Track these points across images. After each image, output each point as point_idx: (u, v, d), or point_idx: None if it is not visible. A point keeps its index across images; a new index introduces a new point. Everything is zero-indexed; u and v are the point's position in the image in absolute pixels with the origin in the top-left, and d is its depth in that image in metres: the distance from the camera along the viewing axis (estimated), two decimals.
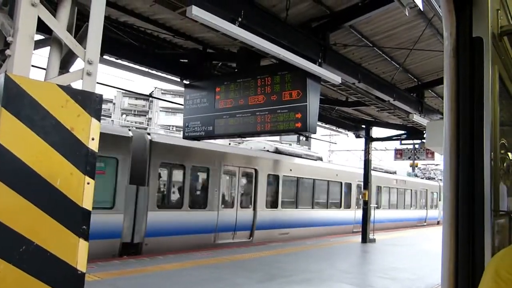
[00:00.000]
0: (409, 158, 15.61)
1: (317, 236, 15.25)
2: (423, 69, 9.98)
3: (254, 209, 13.06)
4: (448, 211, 1.57)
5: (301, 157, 16.28)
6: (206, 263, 8.97)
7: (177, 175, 11.02)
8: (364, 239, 14.47)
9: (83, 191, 2.62)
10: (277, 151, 14.99)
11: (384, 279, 8.30)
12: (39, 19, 2.65)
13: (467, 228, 1.52)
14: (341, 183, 17.66)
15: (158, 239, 10.20)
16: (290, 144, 21.01)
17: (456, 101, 1.57)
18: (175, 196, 11.24)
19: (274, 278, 7.81)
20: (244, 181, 13.07)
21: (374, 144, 16.45)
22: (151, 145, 10.23)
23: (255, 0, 6.33)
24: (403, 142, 15.51)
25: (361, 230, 15.05)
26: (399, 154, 15.86)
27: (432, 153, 14.74)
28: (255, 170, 12.97)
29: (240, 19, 5.57)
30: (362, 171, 15.99)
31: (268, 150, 14.74)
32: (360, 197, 17.14)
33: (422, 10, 6.45)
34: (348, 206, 18.04)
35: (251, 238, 13.00)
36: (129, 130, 10.67)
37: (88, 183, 2.64)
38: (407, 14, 5.25)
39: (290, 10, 6.49)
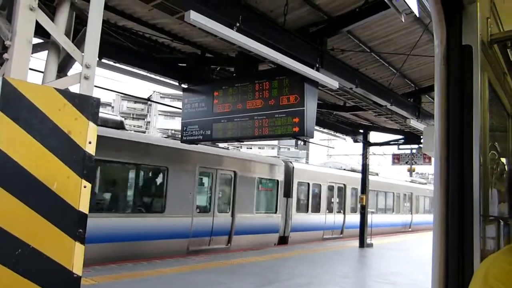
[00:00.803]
0: (406, 163, 15.64)
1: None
2: (420, 75, 10.03)
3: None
4: (438, 216, 1.59)
5: None
6: (204, 267, 8.97)
7: (305, 190, 16.27)
8: (362, 244, 14.48)
9: (80, 194, 2.63)
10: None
11: (382, 284, 8.31)
12: (37, 23, 2.68)
13: (456, 233, 1.54)
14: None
15: (296, 234, 15.40)
16: (289, 149, 21.05)
17: (447, 107, 1.60)
18: (305, 204, 16.31)
19: (271, 282, 7.81)
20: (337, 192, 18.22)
21: (372, 149, 16.46)
22: (293, 170, 15.53)
23: (252, 5, 6.38)
24: (401, 147, 15.55)
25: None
26: (396, 159, 15.89)
27: (430, 158, 14.76)
28: (344, 185, 18.20)
29: (238, 24, 5.61)
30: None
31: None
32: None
33: (418, 16, 6.50)
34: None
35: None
36: (282, 160, 16.22)
37: (85, 187, 2.66)
38: (403, 20, 5.30)
39: (288, 15, 6.53)
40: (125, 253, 9.60)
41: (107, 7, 6.18)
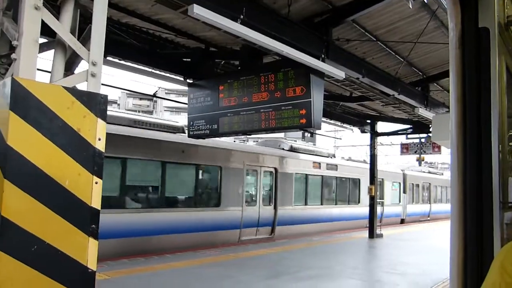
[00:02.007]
0: (415, 152, 15.52)
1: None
2: (427, 63, 9.93)
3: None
4: (456, 204, 1.56)
5: None
6: (213, 260, 9.01)
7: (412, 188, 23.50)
8: (371, 235, 14.46)
9: (92, 191, 2.64)
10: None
11: (392, 275, 8.29)
12: (42, 22, 2.67)
13: (475, 221, 1.52)
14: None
15: (410, 217, 22.73)
16: (295, 141, 20.96)
17: (462, 93, 1.57)
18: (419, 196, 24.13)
19: (280, 275, 7.83)
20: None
21: (380, 139, 16.39)
22: (405, 176, 22.71)
23: None
24: (409, 136, 15.43)
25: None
26: (405, 148, 15.79)
27: (439, 147, 14.66)
28: (429, 184, 25.77)
29: (241, 17, 5.57)
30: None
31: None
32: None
33: (426, 2, 6.42)
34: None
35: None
36: (401, 170, 23.22)
37: (96, 183, 2.66)
38: (411, 7, 5.23)
39: (292, 6, 6.48)
40: (198, 242, 11.29)
41: (110, 4, 6.12)
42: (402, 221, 22.26)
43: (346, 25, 7.51)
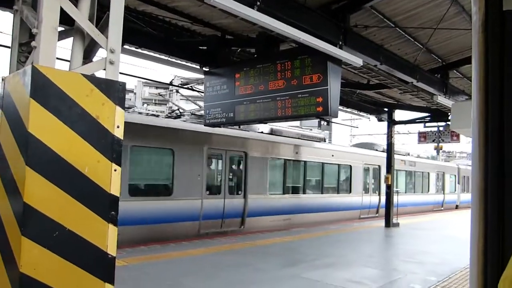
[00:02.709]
0: (433, 141, 15.28)
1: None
2: (447, 49, 9.73)
3: None
4: (477, 192, 1.54)
5: None
6: (230, 248, 9.08)
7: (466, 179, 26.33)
8: (388, 223, 14.38)
9: (111, 178, 2.68)
10: None
11: (409, 263, 8.25)
12: (61, 10, 2.69)
13: (496, 209, 1.49)
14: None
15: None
16: (311, 129, 20.82)
17: (485, 80, 1.53)
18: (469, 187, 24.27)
19: (297, 263, 7.86)
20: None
21: (397, 128, 16.17)
22: (459, 169, 26.17)
23: None
24: (427, 124, 15.19)
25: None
26: (423, 137, 15.54)
27: (458, 135, 14.40)
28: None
29: (258, 3, 5.52)
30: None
31: None
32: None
33: None
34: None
35: None
36: (456, 164, 25.97)
37: (115, 170, 2.70)
38: None
39: None
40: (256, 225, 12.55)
41: None
42: (456, 207, 25.72)
43: (364, 11, 7.39)
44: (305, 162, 14.94)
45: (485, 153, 1.51)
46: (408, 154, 23.37)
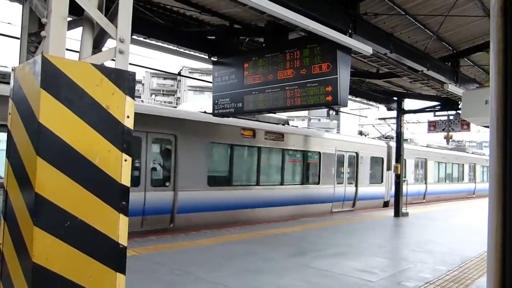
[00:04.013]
0: (443, 130, 15.12)
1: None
2: (458, 37, 9.58)
3: None
4: (495, 179, 1.51)
5: None
6: (239, 238, 9.12)
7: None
8: (397, 213, 14.34)
9: (121, 168, 2.67)
10: None
11: (418, 253, 8.23)
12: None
13: None
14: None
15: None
16: (319, 119, 20.69)
17: (504, 65, 1.49)
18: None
19: (306, 252, 7.87)
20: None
21: (406, 117, 16.02)
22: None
23: None
24: (437, 113, 15.03)
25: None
26: (432, 126, 15.36)
27: (468, 124, 14.22)
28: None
29: None
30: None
31: None
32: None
33: None
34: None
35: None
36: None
37: (125, 160, 2.70)
38: None
39: None
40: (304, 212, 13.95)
41: None
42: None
43: None
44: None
45: (504, 140, 1.48)
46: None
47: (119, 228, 2.66)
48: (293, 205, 13.92)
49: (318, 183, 14.99)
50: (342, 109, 16.14)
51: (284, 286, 5.65)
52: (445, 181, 24.09)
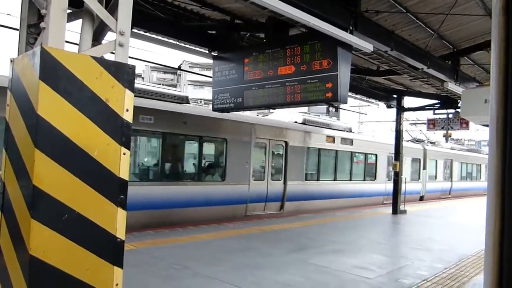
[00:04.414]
0: (442, 128, 15.12)
1: None
2: (459, 35, 9.56)
3: None
4: (494, 179, 1.50)
5: None
6: (237, 233, 9.13)
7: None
8: (395, 211, 14.36)
9: (120, 161, 2.67)
10: None
11: (416, 250, 8.25)
12: None
13: None
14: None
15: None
16: (319, 115, 20.83)
17: (505, 64, 1.49)
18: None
19: (304, 248, 7.89)
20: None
21: (405, 115, 16.03)
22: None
23: None
24: (436, 111, 15.03)
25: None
26: (432, 124, 15.37)
27: (467, 123, 14.22)
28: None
29: None
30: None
31: None
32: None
33: None
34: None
35: None
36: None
37: (124, 154, 2.69)
38: None
39: None
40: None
41: None
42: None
43: None
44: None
45: (503, 139, 1.47)
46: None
47: (117, 221, 2.66)
48: (358, 197, 16.88)
49: (375, 179, 18.09)
50: (341, 106, 16.18)
51: (282, 281, 5.66)
52: (466, 179, 27.09)
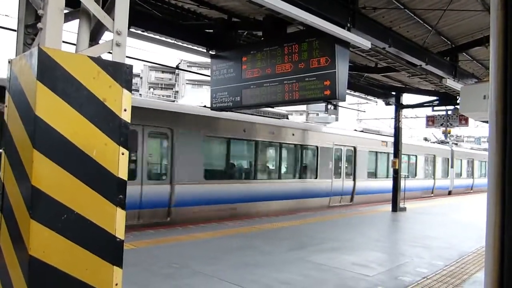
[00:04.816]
0: (441, 125, 15.12)
1: None
2: (457, 31, 9.56)
3: None
4: (494, 175, 1.50)
5: None
6: (236, 232, 9.14)
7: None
8: (395, 208, 14.37)
9: (118, 161, 2.66)
10: None
11: (416, 247, 8.25)
12: None
13: None
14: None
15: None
16: (317, 114, 20.94)
17: (504, 59, 1.48)
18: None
19: (303, 246, 7.89)
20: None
21: (404, 112, 16.02)
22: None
23: None
24: (435, 108, 15.03)
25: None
26: (430, 121, 15.36)
27: (466, 119, 14.23)
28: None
29: None
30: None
31: None
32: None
33: None
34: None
35: None
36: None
37: (122, 154, 2.68)
38: None
39: None
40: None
41: None
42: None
43: None
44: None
45: (503, 135, 1.47)
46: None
47: (116, 221, 2.65)
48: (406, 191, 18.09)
49: (415, 176, 21.24)
50: (340, 103, 16.16)
51: (281, 279, 5.66)
52: (485, 176, 28.42)
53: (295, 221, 10.99)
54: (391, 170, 17.25)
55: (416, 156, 21.48)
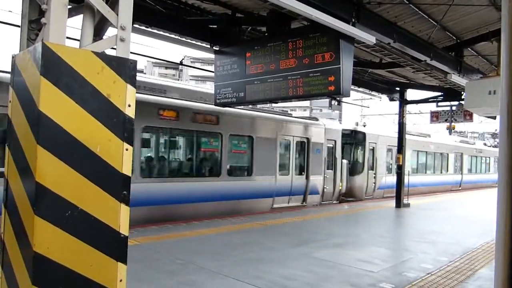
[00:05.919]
0: (445, 120, 15.04)
1: None
2: (462, 26, 9.47)
3: None
4: (505, 170, 1.47)
5: None
6: (241, 228, 9.13)
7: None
8: (398, 204, 14.33)
9: (122, 157, 2.64)
10: None
11: (420, 243, 8.23)
12: None
13: None
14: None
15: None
16: (321, 110, 20.82)
17: None
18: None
19: (307, 242, 7.88)
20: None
21: (408, 107, 15.96)
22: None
23: None
24: (440, 104, 14.95)
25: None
26: (435, 116, 15.28)
27: (471, 115, 14.15)
28: None
29: None
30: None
31: None
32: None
33: None
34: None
35: None
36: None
37: (126, 149, 2.67)
38: None
39: None
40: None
41: None
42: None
43: None
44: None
45: None
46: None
47: (120, 217, 2.64)
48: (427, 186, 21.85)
49: (447, 172, 24.35)
50: (344, 99, 16.11)
51: (286, 275, 5.65)
52: None
53: (299, 217, 10.98)
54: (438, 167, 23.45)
55: (447, 154, 24.67)
